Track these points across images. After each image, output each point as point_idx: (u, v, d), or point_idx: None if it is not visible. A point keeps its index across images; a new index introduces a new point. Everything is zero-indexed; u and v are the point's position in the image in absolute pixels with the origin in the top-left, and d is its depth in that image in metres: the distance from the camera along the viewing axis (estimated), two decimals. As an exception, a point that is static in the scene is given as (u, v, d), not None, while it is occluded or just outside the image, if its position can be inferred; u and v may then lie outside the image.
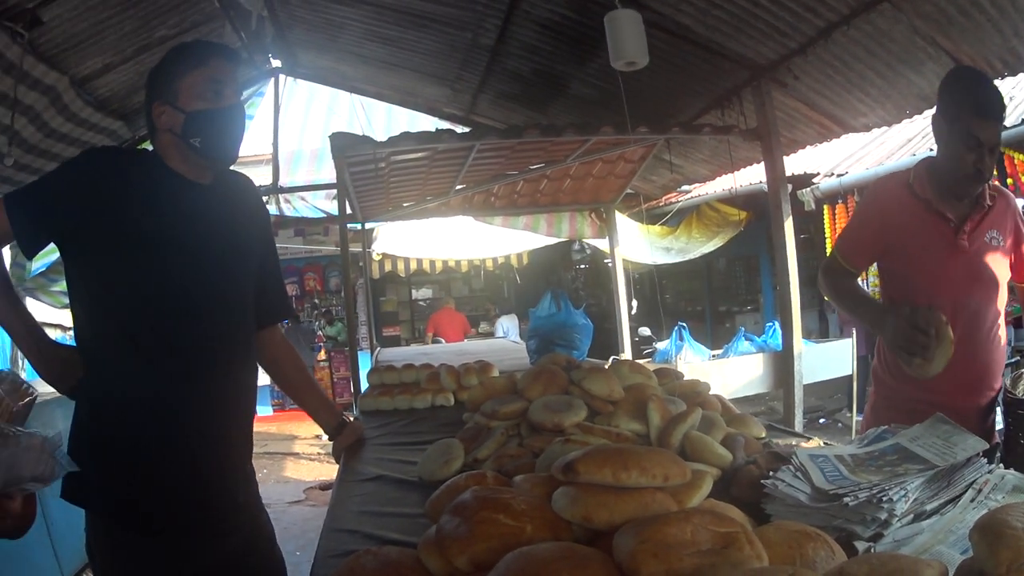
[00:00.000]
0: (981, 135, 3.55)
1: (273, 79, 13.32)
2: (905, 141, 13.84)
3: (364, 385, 6.01)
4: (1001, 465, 2.58)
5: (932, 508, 2.21)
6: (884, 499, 2.11)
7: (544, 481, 2.18)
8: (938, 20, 6.46)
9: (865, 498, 2.13)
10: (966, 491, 2.29)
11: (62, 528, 6.46)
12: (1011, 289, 4.10)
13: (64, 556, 6.88)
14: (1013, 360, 12.89)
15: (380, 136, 7.63)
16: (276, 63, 12.76)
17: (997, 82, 5.33)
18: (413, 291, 26.47)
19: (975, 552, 1.55)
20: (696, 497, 2.17)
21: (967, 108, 3.62)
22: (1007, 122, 11.61)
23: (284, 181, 14.49)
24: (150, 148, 3.52)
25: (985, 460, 2.50)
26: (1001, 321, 3.96)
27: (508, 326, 20.53)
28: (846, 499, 2.13)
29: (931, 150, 12.60)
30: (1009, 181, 11.79)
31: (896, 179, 4.14)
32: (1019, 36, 6.41)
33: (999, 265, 3.86)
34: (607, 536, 1.73)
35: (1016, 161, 11.67)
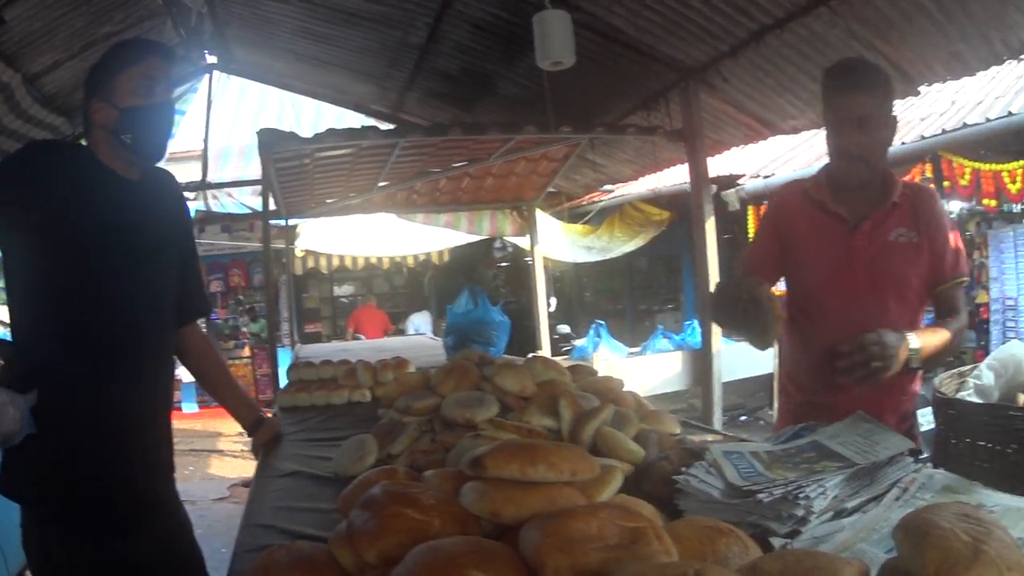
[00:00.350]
0: (849, 109, 3.47)
1: (208, 75, 13.28)
2: (837, 142, 14.01)
3: (284, 382, 5.98)
4: (930, 465, 2.59)
5: (854, 506, 2.21)
6: (801, 496, 2.11)
7: (453, 476, 2.17)
8: (878, 24, 6.51)
9: (780, 495, 2.13)
10: (890, 489, 2.29)
11: (7, 525, 6.46)
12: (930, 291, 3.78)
13: (10, 553, 6.81)
14: (947, 360, 13.09)
15: (307, 134, 7.64)
16: (212, 59, 12.72)
17: (945, 84, 5.40)
18: (335, 288, 26.45)
19: (899, 551, 1.55)
20: (605, 492, 2.19)
21: (835, 86, 3.56)
22: (947, 125, 11.82)
23: (213, 177, 14.47)
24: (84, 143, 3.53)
25: (911, 459, 2.50)
26: (917, 322, 3.72)
27: (419, 323, 20.70)
28: (760, 496, 2.13)
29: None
30: (946, 184, 11.96)
31: (794, 185, 4.09)
32: (965, 40, 6.48)
33: (907, 265, 3.65)
34: (515, 531, 1.73)
35: (954, 164, 11.84)
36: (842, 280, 3.67)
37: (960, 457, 2.82)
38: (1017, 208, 15.02)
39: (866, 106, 3.46)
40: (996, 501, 2.11)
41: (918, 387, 3.88)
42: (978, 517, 1.56)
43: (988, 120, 11.05)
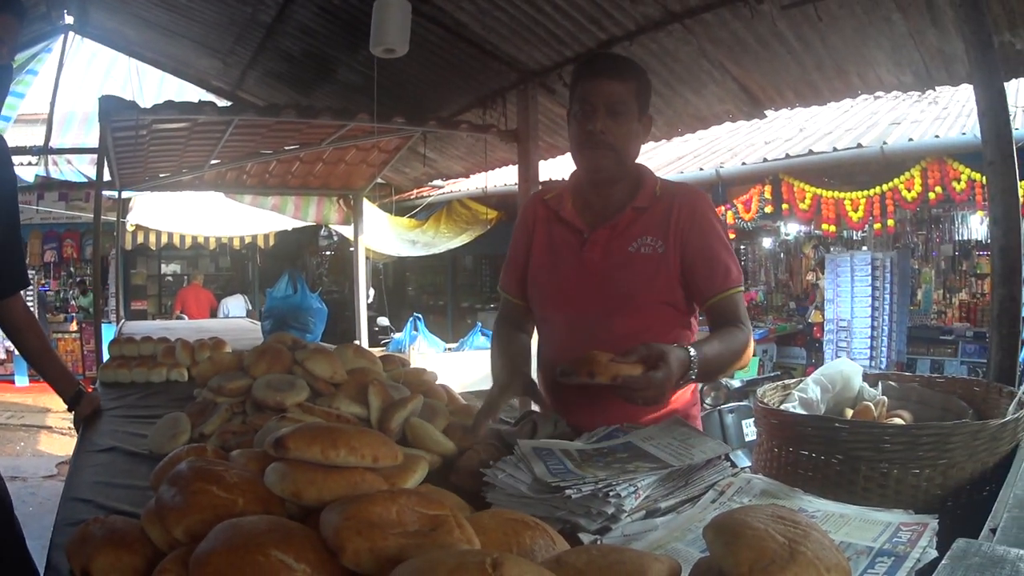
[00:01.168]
0: (599, 94, 3.24)
1: (63, 36, 12.98)
2: (675, 158, 14.32)
3: (107, 357, 5.90)
4: (748, 470, 2.65)
5: (667, 506, 2.24)
6: (612, 494, 2.12)
7: (259, 457, 2.15)
8: (731, 47, 6.62)
9: (590, 492, 2.15)
10: (707, 492, 2.32)
11: None
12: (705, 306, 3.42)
13: None
14: (775, 373, 13.45)
15: (148, 105, 7.53)
16: (69, 19, 12.45)
17: (794, 111, 5.41)
18: (163, 265, 26.00)
19: (711, 550, 1.55)
20: (410, 481, 2.20)
21: (586, 73, 3.35)
22: (792, 150, 12.13)
23: (56, 142, 14.21)
24: None
25: (729, 463, 2.52)
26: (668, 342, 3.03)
27: (232, 307, 20.56)
28: (568, 491, 2.15)
29: (701, 169, 13.04)
30: (785, 206, 12.35)
31: (537, 195, 3.83)
32: (821, 70, 6.62)
33: (646, 279, 3.32)
34: (318, 513, 1.71)
35: (795, 188, 12.24)
36: (568, 296, 3.44)
37: (783, 466, 2.86)
38: (857, 236, 15.51)
39: (617, 92, 3.26)
40: (817, 507, 2.15)
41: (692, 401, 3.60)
42: (794, 520, 1.58)
43: (835, 150, 11.41)
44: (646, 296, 3.33)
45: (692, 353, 2.87)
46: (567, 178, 3.69)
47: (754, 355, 14.36)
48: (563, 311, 3.47)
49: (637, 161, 3.50)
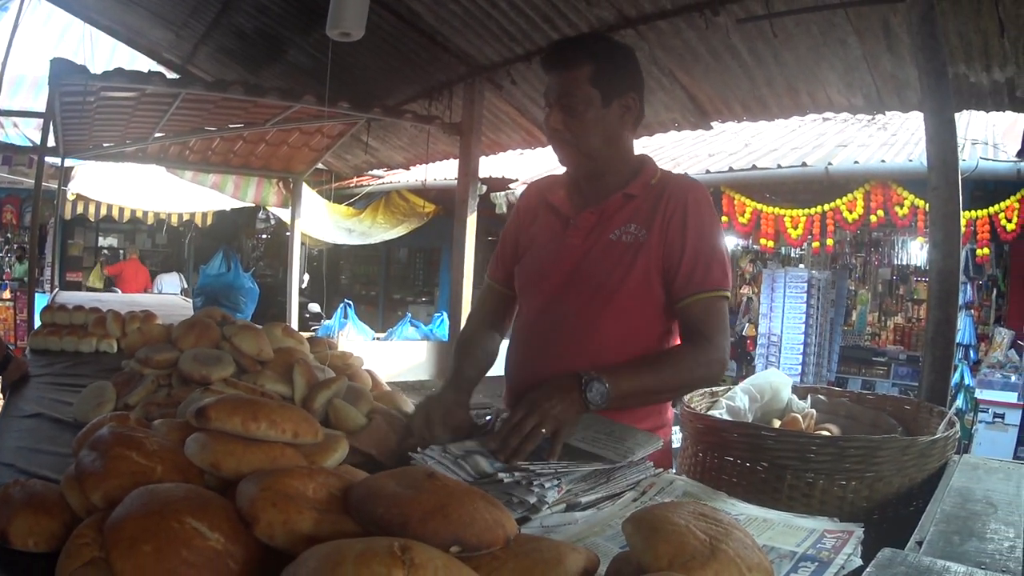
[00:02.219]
0: (549, 87, 3.16)
1: (20, -5, 12.90)
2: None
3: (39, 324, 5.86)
4: (672, 471, 2.64)
5: (588, 501, 2.21)
6: (535, 483, 2.14)
7: (181, 427, 2.12)
8: (683, 55, 6.65)
9: (518, 478, 2.17)
10: (628, 490, 2.31)
11: None
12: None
13: None
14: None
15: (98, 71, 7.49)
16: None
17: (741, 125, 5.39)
18: (100, 238, 25.83)
19: (630, 544, 1.54)
20: (329, 460, 2.16)
21: (542, 67, 3.24)
22: (735, 164, 12.27)
23: (3, 104, 14.04)
24: None
25: (651, 464, 2.51)
26: (644, 336, 3.19)
27: (167, 283, 20.60)
28: (501, 475, 2.18)
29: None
30: (724, 219, 12.51)
31: (536, 181, 3.72)
32: (771, 86, 6.64)
33: (620, 267, 3.15)
34: (236, 486, 1.70)
35: (735, 201, 12.46)
36: (546, 279, 3.33)
37: (707, 471, 2.83)
38: (795, 253, 15.66)
39: (567, 84, 3.11)
40: (741, 511, 2.15)
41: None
42: (716, 518, 1.57)
43: (780, 167, 11.51)
44: (618, 287, 3.14)
45: (589, 386, 2.70)
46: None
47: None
48: (536, 296, 3.38)
49: (642, 153, 3.40)
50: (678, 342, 3.21)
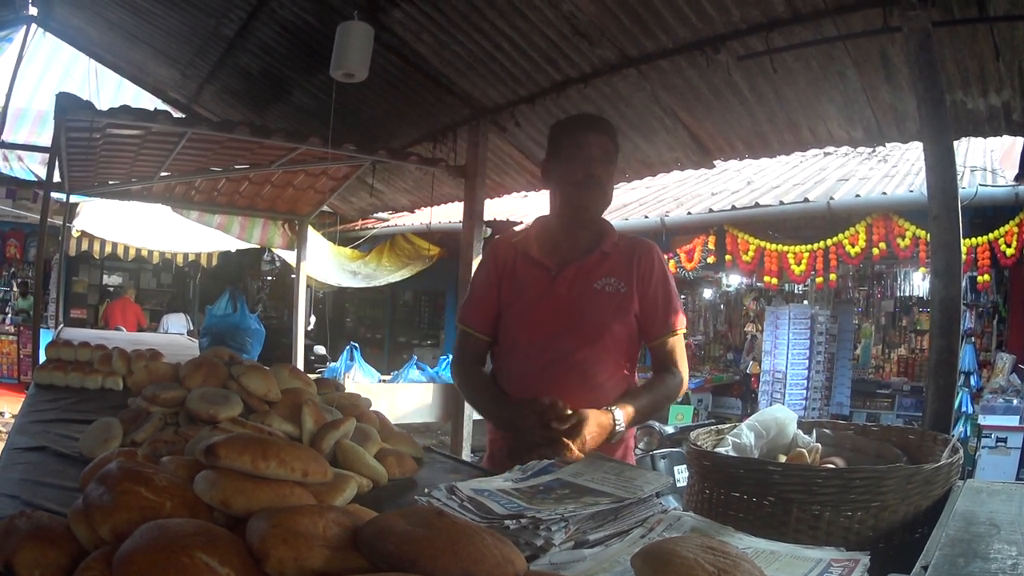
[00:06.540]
0: (590, 144, 3.73)
1: (26, 27, 13.11)
2: (621, 205, 14.41)
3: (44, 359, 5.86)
4: (678, 508, 2.65)
5: (596, 539, 2.20)
6: (541, 527, 2.12)
7: (189, 464, 2.10)
8: (684, 94, 6.68)
9: (527, 523, 2.14)
10: (636, 527, 2.28)
11: None
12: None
13: None
14: (710, 422, 13.59)
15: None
16: (34, 11, 12.52)
17: (743, 163, 5.47)
18: (105, 276, 25.76)
19: None
20: (338, 499, 2.18)
21: (574, 126, 3.82)
22: (738, 202, 12.31)
23: (7, 137, 14.07)
24: None
25: (660, 500, 2.51)
26: (620, 373, 3.87)
27: (172, 323, 20.55)
28: (507, 522, 2.15)
29: (646, 217, 13.12)
30: (728, 257, 12.48)
31: (504, 238, 4.21)
32: (772, 122, 6.66)
33: (609, 312, 3.80)
34: (245, 524, 1.69)
35: (739, 240, 12.38)
36: (540, 318, 3.84)
37: (714, 507, 2.85)
38: (798, 289, 15.65)
39: (605, 144, 3.78)
40: (748, 544, 2.12)
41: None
42: (724, 551, 1.58)
43: (782, 203, 11.55)
44: (611, 329, 3.79)
45: (617, 419, 3.48)
46: (530, 224, 4.21)
47: (690, 404, 14.49)
48: (532, 335, 3.86)
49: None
50: (637, 368, 4.00)
